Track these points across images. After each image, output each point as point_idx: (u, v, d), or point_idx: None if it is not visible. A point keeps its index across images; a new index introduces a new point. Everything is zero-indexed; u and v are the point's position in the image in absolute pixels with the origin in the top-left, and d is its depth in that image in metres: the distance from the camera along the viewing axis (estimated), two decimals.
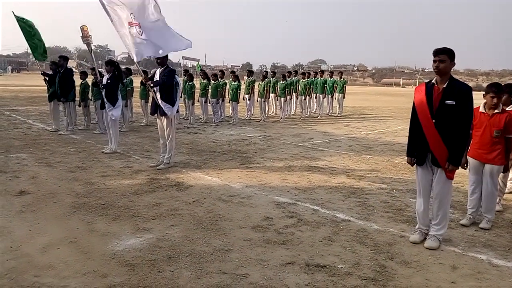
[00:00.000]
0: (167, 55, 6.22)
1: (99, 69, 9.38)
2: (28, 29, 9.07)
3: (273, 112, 15.57)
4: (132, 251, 3.39)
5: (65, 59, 9.51)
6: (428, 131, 3.56)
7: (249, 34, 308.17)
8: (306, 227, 4.07)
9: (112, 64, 7.74)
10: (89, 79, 9.96)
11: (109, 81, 7.34)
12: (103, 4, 5.86)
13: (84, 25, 7.31)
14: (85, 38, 7.29)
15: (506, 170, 4.38)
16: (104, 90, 7.31)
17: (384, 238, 3.86)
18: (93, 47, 7.58)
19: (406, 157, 3.89)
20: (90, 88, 10.16)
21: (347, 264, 3.30)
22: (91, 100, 10.41)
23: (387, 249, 3.60)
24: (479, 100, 3.69)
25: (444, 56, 3.50)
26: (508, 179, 5.36)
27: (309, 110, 15.59)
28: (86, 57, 78.78)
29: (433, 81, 3.63)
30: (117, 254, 3.33)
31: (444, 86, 3.51)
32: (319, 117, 15.17)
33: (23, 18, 9.12)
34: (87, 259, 3.24)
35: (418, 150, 3.72)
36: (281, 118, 13.94)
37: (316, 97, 15.70)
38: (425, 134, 3.59)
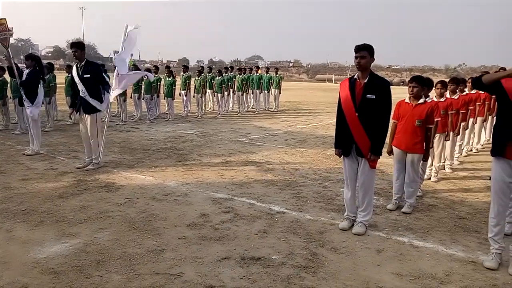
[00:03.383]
0: (84, 49, 6.01)
1: (20, 65, 8.64)
2: None
3: (210, 108, 15.47)
4: (56, 258, 3.18)
5: None
6: (352, 123, 3.75)
7: (186, 29, 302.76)
8: (242, 221, 4.11)
9: (33, 59, 7.19)
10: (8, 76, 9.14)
11: (27, 76, 6.79)
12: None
13: (2, 18, 6.67)
14: (2, 32, 6.66)
15: (426, 159, 4.77)
16: (22, 86, 6.74)
17: (316, 227, 4.02)
18: (13, 41, 6.97)
19: (334, 149, 4.07)
20: (8, 85, 9.34)
21: (281, 254, 3.38)
22: (10, 98, 9.59)
23: (318, 237, 3.75)
24: (400, 95, 3.99)
25: (365, 52, 3.70)
26: (427, 166, 5.84)
27: (246, 105, 15.71)
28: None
29: (355, 77, 3.84)
30: (40, 262, 3.11)
31: (365, 81, 3.72)
32: (256, 112, 15.36)
33: None
34: (6, 270, 2.99)
35: (344, 142, 3.90)
36: (219, 114, 13.89)
37: (253, 93, 15.87)
38: (349, 126, 3.78)
